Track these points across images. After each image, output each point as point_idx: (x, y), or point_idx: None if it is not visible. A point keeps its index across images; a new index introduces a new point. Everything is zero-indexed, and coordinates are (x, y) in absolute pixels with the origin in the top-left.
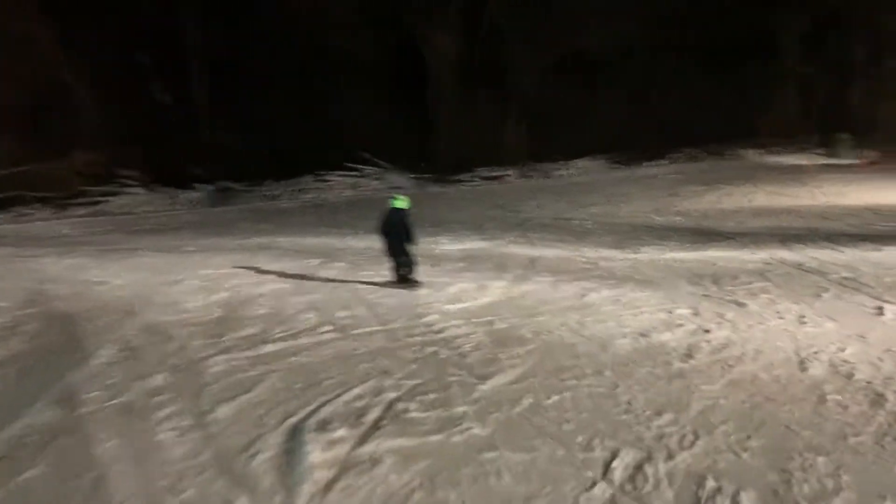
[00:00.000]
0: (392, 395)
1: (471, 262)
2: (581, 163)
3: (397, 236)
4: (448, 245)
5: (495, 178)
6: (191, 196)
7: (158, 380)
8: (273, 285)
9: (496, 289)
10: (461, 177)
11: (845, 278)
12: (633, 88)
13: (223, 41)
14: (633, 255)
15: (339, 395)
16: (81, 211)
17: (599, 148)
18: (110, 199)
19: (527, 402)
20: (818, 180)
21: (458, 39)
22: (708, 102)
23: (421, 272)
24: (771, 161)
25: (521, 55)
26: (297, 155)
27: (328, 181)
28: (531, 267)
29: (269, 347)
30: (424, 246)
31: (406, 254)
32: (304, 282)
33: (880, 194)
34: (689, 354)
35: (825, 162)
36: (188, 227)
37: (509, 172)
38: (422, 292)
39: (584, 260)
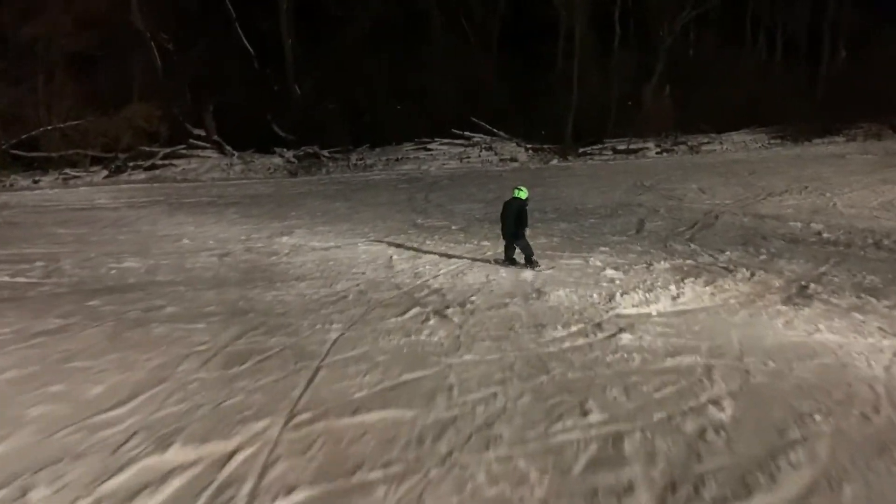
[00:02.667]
0: None
1: None
2: (736, 136)
3: (512, 224)
4: (636, 300)
5: (631, 151)
6: (270, 162)
7: None
8: None
9: None
10: (589, 149)
11: None
12: (795, 48)
13: None
14: None
15: None
16: (141, 175)
17: (752, 119)
18: (176, 162)
19: None
20: None
21: None
22: (893, 66)
23: None
24: None
25: (666, 3)
26: (397, 119)
27: (430, 150)
28: None
29: None
30: (581, 281)
31: (523, 238)
32: None
33: None
34: None
35: None
36: (242, 205)
37: (648, 145)
38: None
39: None
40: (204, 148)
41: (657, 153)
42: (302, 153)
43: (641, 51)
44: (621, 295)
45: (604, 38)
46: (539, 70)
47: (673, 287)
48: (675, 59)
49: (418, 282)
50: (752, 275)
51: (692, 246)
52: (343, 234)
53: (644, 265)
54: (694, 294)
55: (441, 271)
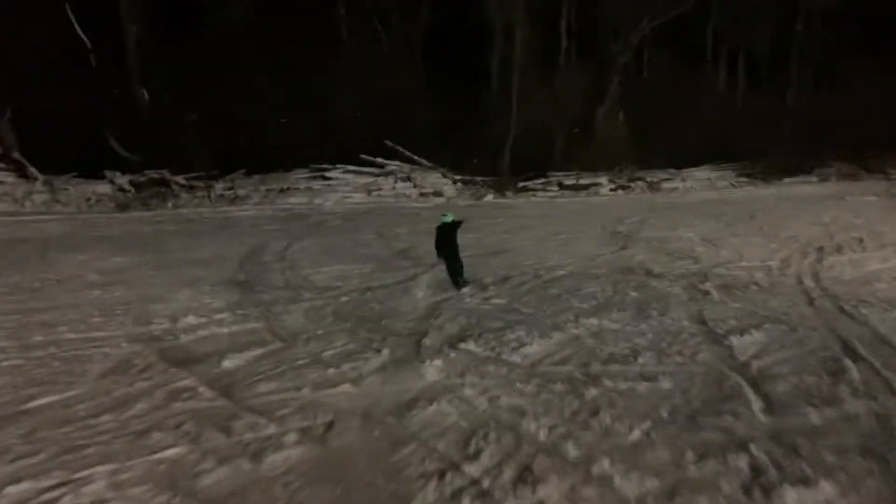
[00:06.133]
0: None
1: None
2: (698, 173)
3: (453, 251)
4: None
5: (581, 187)
6: (93, 190)
7: None
8: None
9: None
10: (531, 183)
11: None
12: (758, 76)
13: None
14: None
15: None
16: None
17: (715, 153)
18: None
19: None
20: None
21: None
22: (866, 99)
23: None
24: None
25: (620, 11)
26: (287, 139)
27: (329, 180)
28: None
29: None
30: None
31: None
32: None
33: None
34: None
35: None
36: None
37: (600, 180)
38: None
39: None
40: None
41: (611, 190)
42: (144, 179)
43: (591, 69)
44: None
45: (547, 52)
46: (471, 87)
47: None
48: (628, 83)
49: None
50: None
51: None
52: None
53: None
54: None
55: None
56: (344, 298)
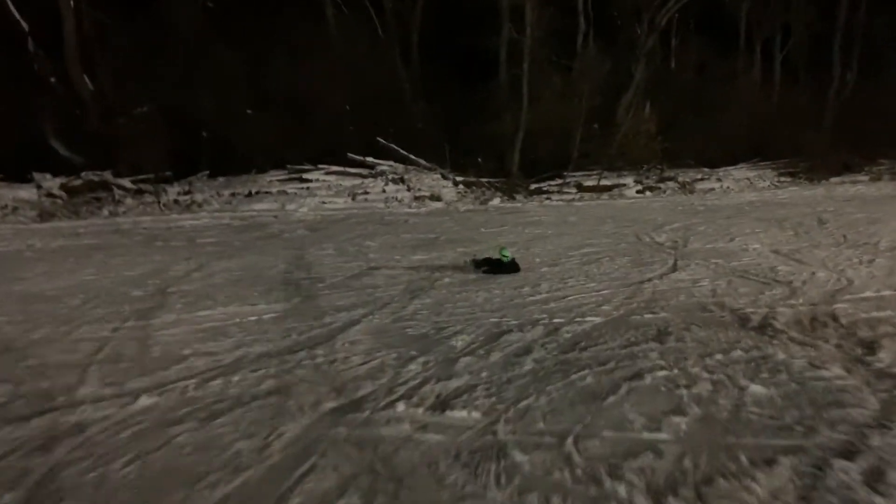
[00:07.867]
0: None
1: None
2: (735, 172)
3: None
4: None
5: (604, 188)
6: (13, 197)
7: None
8: None
9: None
10: (545, 185)
11: None
12: (795, 67)
13: None
14: None
15: None
16: None
17: (751, 150)
18: None
19: None
20: None
21: None
22: None
23: None
24: None
25: None
26: (259, 137)
27: (308, 182)
28: None
29: None
30: None
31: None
32: None
33: None
34: None
35: None
36: None
37: (625, 181)
38: None
39: None
40: None
41: (638, 192)
42: (80, 182)
43: (612, 56)
44: None
45: (562, 36)
46: (475, 76)
47: None
48: (655, 72)
49: None
50: None
51: None
52: None
53: None
54: None
55: None
56: (140, 403)
